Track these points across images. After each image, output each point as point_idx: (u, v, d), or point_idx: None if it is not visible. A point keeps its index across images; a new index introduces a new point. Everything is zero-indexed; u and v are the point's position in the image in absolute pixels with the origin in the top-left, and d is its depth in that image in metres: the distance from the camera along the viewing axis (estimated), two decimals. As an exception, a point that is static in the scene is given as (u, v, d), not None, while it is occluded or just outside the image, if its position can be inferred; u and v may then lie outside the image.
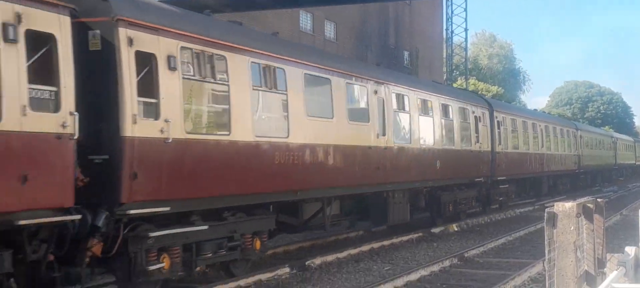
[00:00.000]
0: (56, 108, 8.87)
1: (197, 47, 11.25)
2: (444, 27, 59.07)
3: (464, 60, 59.45)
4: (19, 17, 8.36)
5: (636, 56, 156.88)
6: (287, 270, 13.82)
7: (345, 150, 15.43)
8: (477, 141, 24.07)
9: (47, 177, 8.71)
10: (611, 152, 56.53)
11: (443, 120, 21.28)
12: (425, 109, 20.15)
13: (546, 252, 6.79)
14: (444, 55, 60.72)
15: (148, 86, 10.33)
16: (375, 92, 17.13)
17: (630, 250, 8.21)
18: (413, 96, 19.27)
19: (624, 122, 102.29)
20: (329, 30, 46.27)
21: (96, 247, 9.70)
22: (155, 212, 10.43)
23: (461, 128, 22.61)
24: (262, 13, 33.55)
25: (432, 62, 63.02)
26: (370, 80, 17.06)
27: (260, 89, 12.77)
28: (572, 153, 40.06)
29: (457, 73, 59.48)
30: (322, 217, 15.45)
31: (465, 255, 16.24)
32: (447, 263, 15.16)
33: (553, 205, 6.87)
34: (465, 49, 59.92)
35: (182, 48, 10.98)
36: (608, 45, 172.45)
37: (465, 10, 55.12)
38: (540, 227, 20.20)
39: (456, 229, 21.73)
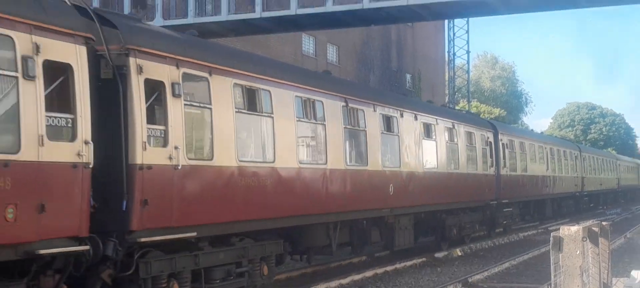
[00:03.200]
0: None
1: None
2: (446, 50, 59.25)
3: (466, 82, 59.59)
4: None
5: (636, 71, 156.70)
6: (290, 296, 13.74)
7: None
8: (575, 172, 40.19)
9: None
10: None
11: (555, 160, 35.36)
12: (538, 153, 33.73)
13: (552, 276, 6.76)
14: (446, 78, 60.89)
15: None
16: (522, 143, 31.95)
17: (636, 273, 8.19)
18: (527, 143, 31.58)
19: (626, 143, 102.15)
20: (331, 53, 46.80)
21: None
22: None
23: (562, 162, 36.64)
24: (265, 37, 33.66)
25: (434, 85, 63.57)
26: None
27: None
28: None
29: (460, 95, 59.55)
30: None
31: (469, 280, 16.28)
32: (451, 288, 15.08)
33: (559, 229, 6.83)
34: (468, 71, 60.57)
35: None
36: (610, 63, 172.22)
37: (467, 32, 55.63)
38: (544, 251, 20.09)
39: (460, 254, 21.68)
